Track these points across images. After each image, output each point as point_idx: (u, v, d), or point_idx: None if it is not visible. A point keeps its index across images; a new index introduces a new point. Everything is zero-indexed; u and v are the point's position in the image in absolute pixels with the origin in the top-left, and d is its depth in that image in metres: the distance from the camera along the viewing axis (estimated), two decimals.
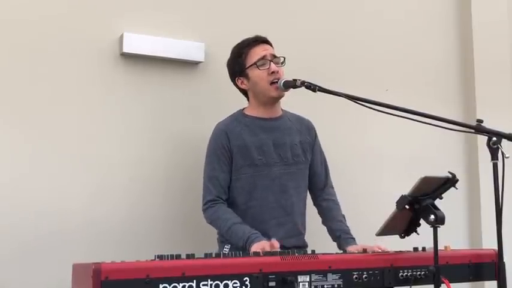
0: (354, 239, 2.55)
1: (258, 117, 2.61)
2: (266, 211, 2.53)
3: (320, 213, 2.71)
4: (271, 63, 2.55)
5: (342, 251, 2.47)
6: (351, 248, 2.45)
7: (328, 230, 2.65)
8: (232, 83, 2.67)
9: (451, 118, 2.30)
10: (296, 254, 1.96)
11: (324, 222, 2.68)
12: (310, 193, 2.72)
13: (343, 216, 2.66)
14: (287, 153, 2.59)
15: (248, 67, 2.57)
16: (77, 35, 2.75)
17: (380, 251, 2.28)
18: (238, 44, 2.64)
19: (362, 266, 2.00)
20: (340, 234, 2.57)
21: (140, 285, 1.69)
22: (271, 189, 2.54)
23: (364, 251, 2.19)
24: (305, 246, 2.61)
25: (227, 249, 2.49)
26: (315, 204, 2.73)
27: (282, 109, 2.68)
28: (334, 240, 2.60)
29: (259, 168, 2.54)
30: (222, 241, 2.56)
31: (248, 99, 2.66)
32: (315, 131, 2.74)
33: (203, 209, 2.54)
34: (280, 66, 2.58)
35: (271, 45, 2.62)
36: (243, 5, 3.14)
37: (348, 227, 2.61)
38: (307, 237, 2.65)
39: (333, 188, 2.74)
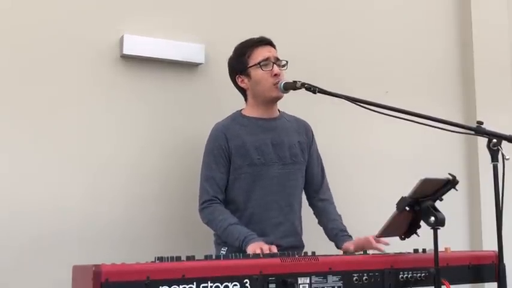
0: (350, 236, 2.55)
1: (256, 118, 2.61)
2: (265, 211, 2.53)
3: (316, 213, 2.71)
4: (274, 65, 2.55)
5: (342, 252, 2.47)
6: (346, 244, 2.46)
7: (324, 230, 2.65)
8: (231, 83, 2.66)
9: (451, 119, 2.29)
10: (296, 256, 1.96)
11: (319, 223, 2.68)
12: (305, 194, 2.72)
13: (339, 216, 2.66)
14: (285, 153, 2.59)
15: (251, 66, 2.56)
16: (77, 37, 2.75)
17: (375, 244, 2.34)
18: (242, 42, 2.63)
19: (362, 268, 2.00)
20: (337, 233, 2.57)
21: (140, 287, 1.68)
22: (270, 189, 2.54)
23: (363, 248, 2.25)
24: (302, 246, 2.61)
25: (224, 251, 2.48)
26: (310, 204, 2.73)
27: (279, 110, 2.68)
28: (330, 240, 2.60)
29: (258, 168, 2.54)
30: (218, 243, 2.56)
31: (246, 99, 2.65)
32: (312, 132, 2.74)
33: (199, 209, 2.54)
34: (282, 69, 2.57)
35: (275, 48, 2.62)
36: (244, 7, 3.14)
37: (344, 225, 2.61)
38: (304, 238, 2.65)
39: (329, 189, 2.74)
